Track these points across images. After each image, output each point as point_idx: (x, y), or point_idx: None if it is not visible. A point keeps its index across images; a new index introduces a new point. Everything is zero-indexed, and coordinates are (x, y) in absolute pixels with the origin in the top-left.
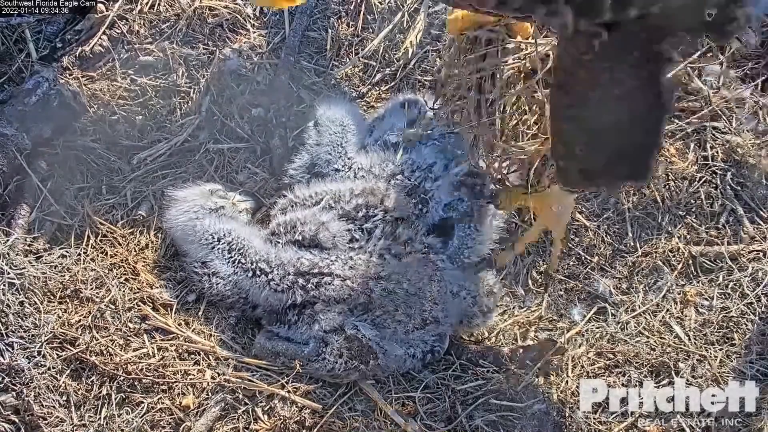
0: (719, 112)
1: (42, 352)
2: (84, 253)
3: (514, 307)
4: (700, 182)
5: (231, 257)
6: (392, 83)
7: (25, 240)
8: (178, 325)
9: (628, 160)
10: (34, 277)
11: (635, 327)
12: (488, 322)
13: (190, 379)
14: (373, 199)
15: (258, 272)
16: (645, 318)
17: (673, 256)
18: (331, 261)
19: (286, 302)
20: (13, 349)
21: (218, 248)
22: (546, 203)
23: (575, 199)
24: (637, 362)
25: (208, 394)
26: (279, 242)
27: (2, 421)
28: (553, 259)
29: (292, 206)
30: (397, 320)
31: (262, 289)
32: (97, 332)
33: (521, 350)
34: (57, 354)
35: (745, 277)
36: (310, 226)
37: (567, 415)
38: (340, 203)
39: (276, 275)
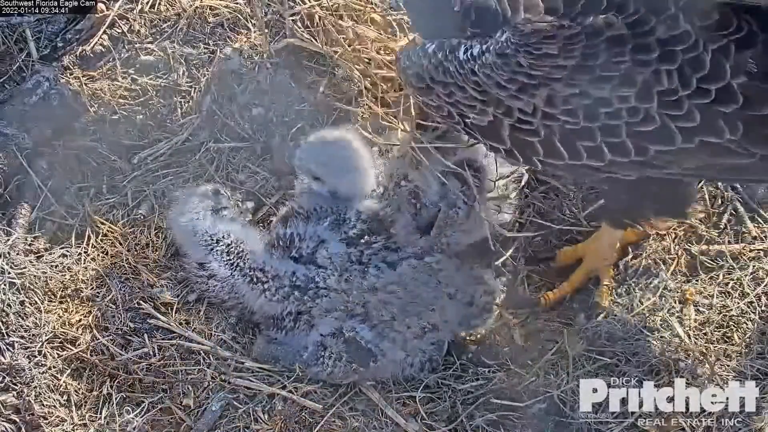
0: None
1: (43, 352)
2: (85, 252)
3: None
4: (702, 181)
5: (229, 260)
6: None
7: (26, 239)
8: (179, 324)
9: (670, 208)
10: (35, 276)
11: (635, 326)
12: (488, 322)
13: (191, 378)
14: (378, 225)
15: (255, 280)
16: (645, 316)
17: (675, 254)
18: (327, 275)
19: (282, 311)
20: (13, 348)
21: (216, 250)
22: (594, 245)
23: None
24: (636, 362)
25: (208, 394)
26: (276, 254)
27: (3, 421)
28: (605, 292)
29: (295, 217)
30: (395, 330)
31: (258, 297)
32: (98, 332)
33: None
34: (58, 353)
35: (745, 276)
36: (308, 243)
37: (567, 415)
38: (343, 228)
39: (272, 286)
